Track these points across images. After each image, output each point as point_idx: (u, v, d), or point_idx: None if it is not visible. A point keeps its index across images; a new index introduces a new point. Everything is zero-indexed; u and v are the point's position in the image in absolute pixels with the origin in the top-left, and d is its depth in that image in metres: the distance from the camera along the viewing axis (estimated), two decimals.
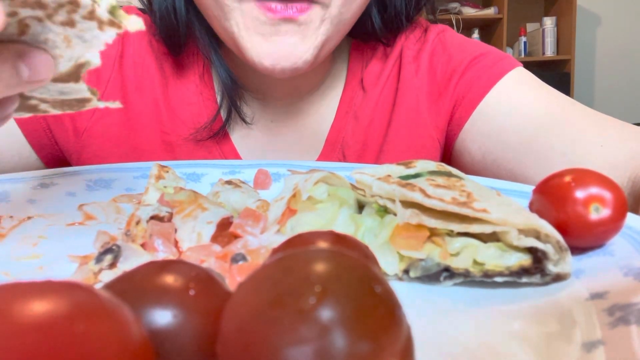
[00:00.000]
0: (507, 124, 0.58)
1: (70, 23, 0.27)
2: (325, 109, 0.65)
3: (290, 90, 0.63)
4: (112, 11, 0.27)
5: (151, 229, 0.32)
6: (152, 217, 0.33)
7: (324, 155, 0.64)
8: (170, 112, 0.62)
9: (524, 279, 0.27)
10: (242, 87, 0.61)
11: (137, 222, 0.32)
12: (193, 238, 0.31)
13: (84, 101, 0.33)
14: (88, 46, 0.29)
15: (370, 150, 0.64)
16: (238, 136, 0.64)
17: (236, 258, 0.29)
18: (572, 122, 0.55)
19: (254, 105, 0.63)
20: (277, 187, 0.47)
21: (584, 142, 0.52)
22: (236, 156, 0.62)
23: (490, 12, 3.85)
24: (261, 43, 0.48)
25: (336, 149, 0.64)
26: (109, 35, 0.28)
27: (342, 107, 0.64)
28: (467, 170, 0.62)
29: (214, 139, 0.62)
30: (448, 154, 0.66)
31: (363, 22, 0.60)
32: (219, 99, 0.62)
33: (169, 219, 0.33)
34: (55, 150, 0.63)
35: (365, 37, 0.63)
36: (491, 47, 0.66)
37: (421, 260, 0.28)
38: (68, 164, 0.64)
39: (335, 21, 0.50)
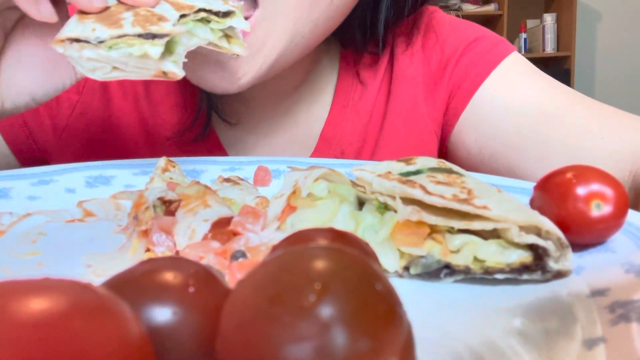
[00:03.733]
0: (504, 115, 0.56)
1: None
2: (316, 106, 0.63)
3: (269, 93, 0.60)
4: None
5: (153, 221, 0.32)
6: (159, 199, 0.34)
7: (320, 152, 0.62)
8: (153, 111, 0.60)
9: (525, 276, 0.27)
10: None
11: (146, 208, 0.32)
12: (187, 234, 0.31)
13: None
14: None
15: (367, 144, 0.62)
16: (226, 140, 0.62)
17: (236, 255, 0.28)
18: (572, 113, 0.53)
19: (238, 107, 0.61)
20: (277, 184, 0.47)
21: (585, 133, 0.51)
22: None
23: (490, 8, 3.85)
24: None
25: (333, 144, 0.62)
26: None
27: (337, 101, 0.62)
28: (464, 165, 0.60)
29: (202, 142, 0.60)
30: (443, 148, 0.64)
31: (347, 34, 0.58)
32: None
33: (176, 207, 0.33)
34: (34, 150, 0.61)
35: (352, 47, 0.61)
36: (485, 30, 0.63)
37: (421, 257, 0.28)
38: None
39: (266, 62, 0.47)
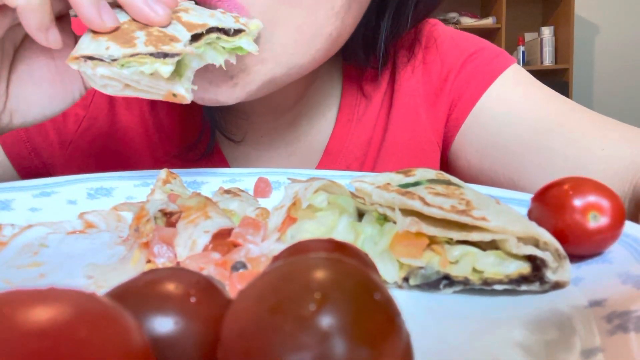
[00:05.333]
0: (504, 126, 0.56)
1: None
2: (319, 119, 0.63)
3: (269, 106, 0.60)
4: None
5: (154, 232, 0.32)
6: (160, 211, 0.34)
7: (324, 166, 0.62)
8: (158, 127, 0.60)
9: (523, 287, 0.27)
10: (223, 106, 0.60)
11: (147, 220, 0.33)
12: (187, 245, 0.31)
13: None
14: None
15: (370, 156, 0.62)
16: (230, 154, 0.62)
17: (236, 266, 0.29)
18: (572, 124, 0.53)
19: (240, 123, 0.61)
20: (277, 196, 0.47)
21: (585, 144, 0.51)
22: None
23: (488, 22, 3.89)
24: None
25: (338, 159, 0.62)
26: None
27: (342, 116, 0.62)
28: (464, 175, 0.61)
29: (207, 157, 0.60)
30: (444, 158, 0.64)
31: (349, 51, 0.57)
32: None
33: (177, 219, 0.34)
34: (35, 165, 0.62)
35: (354, 63, 0.61)
36: (485, 42, 0.64)
37: (421, 268, 0.28)
38: None
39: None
